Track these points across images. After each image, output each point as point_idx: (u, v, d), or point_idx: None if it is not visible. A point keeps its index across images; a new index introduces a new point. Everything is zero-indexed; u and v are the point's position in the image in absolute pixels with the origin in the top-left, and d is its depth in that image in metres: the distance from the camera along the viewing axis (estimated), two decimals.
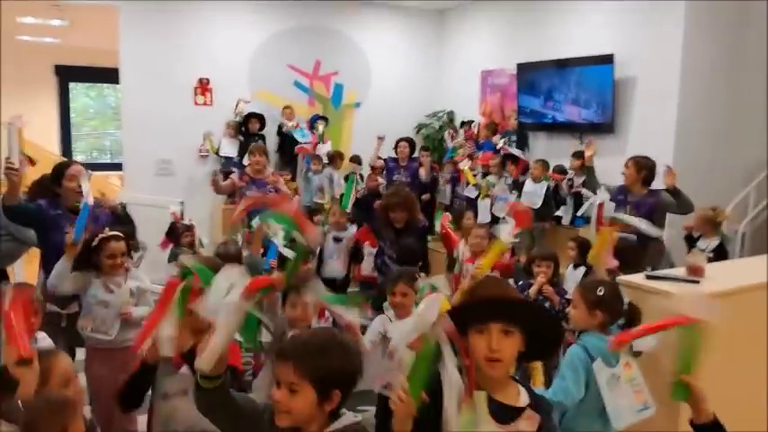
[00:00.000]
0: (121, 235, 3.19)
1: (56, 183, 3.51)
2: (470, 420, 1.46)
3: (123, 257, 3.15)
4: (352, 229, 4.97)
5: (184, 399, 2.02)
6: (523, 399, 1.59)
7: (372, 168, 7.10)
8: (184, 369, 2.10)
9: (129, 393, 2.22)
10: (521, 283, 3.80)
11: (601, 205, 4.02)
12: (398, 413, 1.40)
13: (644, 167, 4.53)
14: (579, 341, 2.42)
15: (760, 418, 2.71)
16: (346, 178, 6.71)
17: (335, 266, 4.68)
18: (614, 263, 3.45)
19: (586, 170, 5.20)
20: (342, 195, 6.55)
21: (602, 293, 2.43)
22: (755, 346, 2.84)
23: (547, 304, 3.62)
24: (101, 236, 3.09)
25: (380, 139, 7.08)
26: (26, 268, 4.99)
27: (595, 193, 4.54)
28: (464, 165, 6.86)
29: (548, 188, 6.17)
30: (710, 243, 4.56)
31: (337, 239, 4.77)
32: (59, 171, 3.52)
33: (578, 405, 2.34)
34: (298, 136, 7.71)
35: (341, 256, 4.73)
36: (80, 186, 3.41)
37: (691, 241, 4.79)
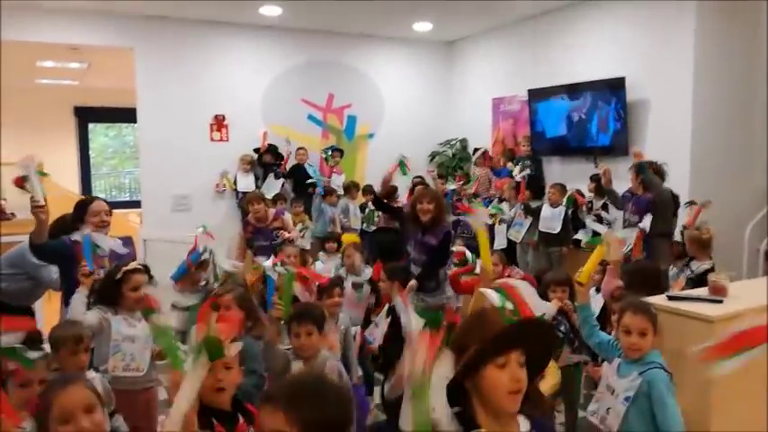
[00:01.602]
0: (146, 268, 3.16)
1: (78, 219, 3.52)
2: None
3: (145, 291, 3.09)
4: (368, 270, 4.60)
5: None
6: (524, 427, 1.54)
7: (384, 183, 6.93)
8: None
9: None
10: None
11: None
12: None
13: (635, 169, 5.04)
14: (652, 364, 2.37)
15: None
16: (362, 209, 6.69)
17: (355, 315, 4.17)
18: (617, 283, 3.35)
19: (608, 192, 5.39)
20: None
21: (656, 311, 2.47)
22: None
23: (562, 327, 3.55)
24: (125, 268, 3.04)
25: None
26: (45, 307, 5.03)
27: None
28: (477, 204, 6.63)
29: (566, 212, 6.13)
30: (701, 265, 4.20)
31: (356, 285, 4.40)
32: (82, 208, 3.55)
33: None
34: (309, 171, 7.73)
35: (359, 307, 4.32)
36: (103, 222, 3.47)
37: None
